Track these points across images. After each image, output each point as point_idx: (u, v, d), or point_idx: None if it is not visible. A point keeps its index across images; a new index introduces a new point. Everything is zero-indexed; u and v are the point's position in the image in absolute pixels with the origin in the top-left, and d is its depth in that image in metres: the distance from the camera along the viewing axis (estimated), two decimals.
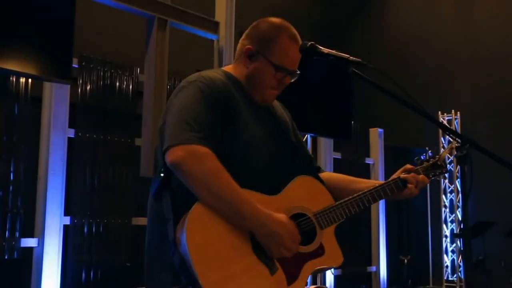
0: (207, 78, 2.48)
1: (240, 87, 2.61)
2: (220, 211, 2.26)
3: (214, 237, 2.25)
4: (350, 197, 2.61)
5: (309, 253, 2.48)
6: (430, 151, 2.89)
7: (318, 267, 2.50)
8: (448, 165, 10.77)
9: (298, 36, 2.65)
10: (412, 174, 2.69)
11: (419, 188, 2.70)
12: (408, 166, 2.76)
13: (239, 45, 2.71)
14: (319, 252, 2.51)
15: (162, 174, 2.38)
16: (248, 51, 2.61)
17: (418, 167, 2.76)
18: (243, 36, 2.70)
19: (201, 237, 2.22)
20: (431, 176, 2.76)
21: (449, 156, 2.76)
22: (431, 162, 2.77)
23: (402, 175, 2.69)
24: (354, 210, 2.60)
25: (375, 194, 2.64)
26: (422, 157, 2.81)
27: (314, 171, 2.85)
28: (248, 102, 2.59)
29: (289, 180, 2.56)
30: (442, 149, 10.80)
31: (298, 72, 2.66)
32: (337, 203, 2.59)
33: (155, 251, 2.48)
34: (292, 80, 2.68)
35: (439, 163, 2.77)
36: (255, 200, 2.34)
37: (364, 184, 2.75)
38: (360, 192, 2.63)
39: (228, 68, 2.72)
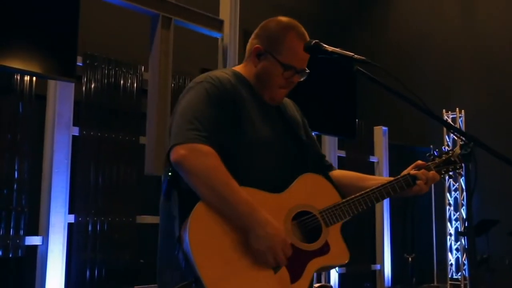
0: (214, 78, 2.50)
1: (249, 86, 2.61)
2: (218, 209, 2.28)
3: (216, 235, 2.26)
4: (358, 194, 2.59)
5: (314, 251, 2.46)
6: (444, 146, 2.87)
7: (323, 265, 2.49)
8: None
9: (307, 35, 2.64)
10: (422, 170, 2.68)
11: (429, 185, 2.68)
12: (419, 162, 2.75)
13: (248, 45, 2.71)
14: (324, 250, 2.49)
15: (170, 173, 2.40)
16: (257, 50, 2.61)
17: (430, 163, 2.74)
18: (253, 36, 2.69)
19: (202, 235, 2.24)
20: (443, 172, 2.74)
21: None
22: (443, 157, 2.75)
23: (412, 172, 2.67)
24: (361, 208, 2.59)
25: (383, 191, 2.62)
26: (435, 153, 2.79)
27: (325, 169, 2.86)
28: (257, 101, 2.59)
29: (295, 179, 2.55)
30: (446, 148, 10.78)
31: (308, 71, 2.65)
32: (343, 200, 2.57)
33: (165, 249, 2.48)
34: (302, 79, 2.67)
35: (452, 158, 2.74)
36: (256, 199, 2.34)
37: (374, 181, 2.73)
38: (368, 190, 2.61)
39: (238, 67, 2.72)
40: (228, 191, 2.28)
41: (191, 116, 2.37)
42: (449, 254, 10.65)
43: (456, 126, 8.21)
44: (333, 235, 2.53)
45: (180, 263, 2.27)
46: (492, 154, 2.37)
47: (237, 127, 2.45)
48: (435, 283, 10.85)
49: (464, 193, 9.74)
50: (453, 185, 10.79)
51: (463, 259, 10.41)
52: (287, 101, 2.85)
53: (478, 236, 8.52)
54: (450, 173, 2.77)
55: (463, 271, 10.30)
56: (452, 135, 10.58)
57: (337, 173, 2.88)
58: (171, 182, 2.42)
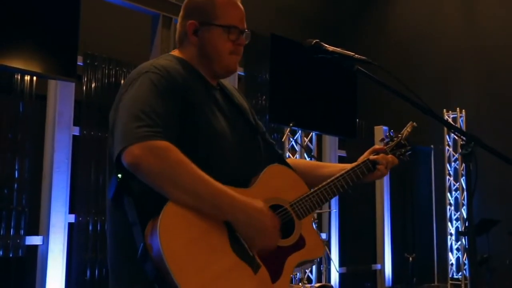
0: (160, 68, 2.27)
1: (193, 70, 2.42)
2: (192, 206, 2.07)
3: (190, 239, 2.05)
4: (324, 183, 2.49)
5: (290, 246, 2.33)
6: (392, 130, 2.85)
7: (301, 260, 2.36)
8: (454, 163, 10.77)
9: None
10: (381, 155, 2.64)
11: (388, 169, 2.64)
12: (377, 147, 2.70)
13: (178, 29, 2.53)
14: (300, 244, 2.36)
15: (119, 176, 2.13)
16: (192, 26, 2.43)
17: (386, 147, 2.71)
18: (179, 20, 2.53)
19: (176, 240, 2.01)
20: (398, 155, 2.71)
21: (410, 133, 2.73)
22: (395, 141, 2.73)
23: (371, 157, 2.63)
24: (329, 197, 2.50)
25: (347, 178, 2.54)
26: (385, 138, 2.77)
27: (279, 157, 2.66)
28: (205, 88, 2.41)
29: (257, 169, 2.41)
30: (447, 147, 10.80)
31: (249, 31, 2.52)
32: (312, 190, 2.47)
33: (121, 260, 2.25)
34: (247, 41, 2.51)
35: (402, 142, 2.73)
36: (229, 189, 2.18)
37: (331, 168, 2.66)
38: (333, 177, 2.52)
39: (175, 53, 2.51)
40: (201, 185, 2.08)
41: (139, 111, 2.10)
42: (450, 254, 10.65)
43: (456, 126, 8.22)
44: (306, 228, 2.40)
45: (144, 274, 2.00)
46: (493, 154, 2.37)
47: (190, 119, 2.25)
48: (436, 283, 10.84)
49: (465, 192, 9.73)
50: (454, 185, 10.79)
51: (464, 259, 10.41)
52: (231, 87, 2.67)
53: (478, 236, 8.51)
54: (403, 156, 2.74)
55: (464, 271, 10.30)
56: (452, 134, 10.58)
57: (290, 161, 2.70)
58: (120, 186, 2.14)
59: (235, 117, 2.47)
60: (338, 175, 2.54)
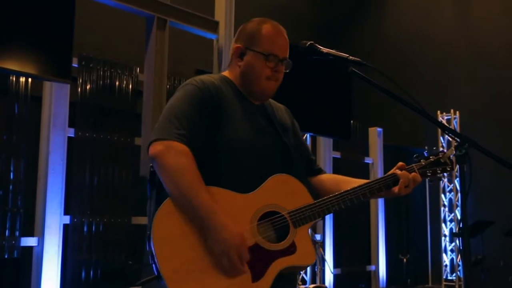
0: (198, 81, 2.59)
1: (234, 88, 2.69)
2: (182, 207, 2.34)
3: (179, 232, 2.31)
4: (330, 195, 2.58)
5: (279, 251, 2.44)
6: (428, 148, 2.88)
7: (289, 265, 2.45)
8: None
9: (281, 26, 2.73)
10: (403, 171, 2.67)
11: (411, 188, 2.66)
12: (400, 163, 2.73)
13: (230, 51, 2.80)
14: (291, 250, 2.46)
15: (151, 170, 2.46)
16: (237, 49, 2.70)
17: (413, 164, 2.72)
18: (233, 43, 2.78)
19: (165, 232, 2.30)
20: (428, 173, 2.71)
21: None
22: (431, 159, 2.73)
23: (397, 171, 2.66)
24: (334, 210, 2.58)
25: (360, 193, 2.62)
26: (425, 153, 2.77)
27: (312, 173, 2.87)
28: (241, 103, 2.65)
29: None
30: (441, 148, 10.82)
31: (290, 61, 2.70)
32: (314, 202, 2.56)
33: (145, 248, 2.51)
34: (287, 70, 2.72)
35: (442, 160, 2.73)
36: (224, 199, 2.38)
37: (352, 184, 2.71)
38: (343, 191, 2.60)
39: (225, 72, 2.80)
40: (192, 193, 2.32)
41: (172, 115, 2.46)
42: (444, 255, 10.66)
43: (450, 127, 8.24)
44: (301, 236, 2.50)
45: (149, 259, 2.31)
46: (487, 155, 2.39)
47: (217, 127, 2.53)
48: (430, 284, 10.86)
49: (459, 194, 9.74)
50: (448, 186, 10.81)
51: (458, 260, 10.42)
52: (280, 106, 2.92)
53: (472, 237, 8.53)
54: (439, 174, 2.75)
55: (458, 272, 10.31)
56: (447, 136, 10.60)
57: (326, 176, 2.91)
58: (151, 179, 2.48)
59: (267, 131, 2.69)
60: (349, 189, 2.62)
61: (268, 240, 2.43)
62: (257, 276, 2.36)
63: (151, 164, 2.45)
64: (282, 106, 2.96)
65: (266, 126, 2.70)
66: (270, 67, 2.64)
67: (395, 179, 2.65)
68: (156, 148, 2.38)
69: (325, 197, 2.58)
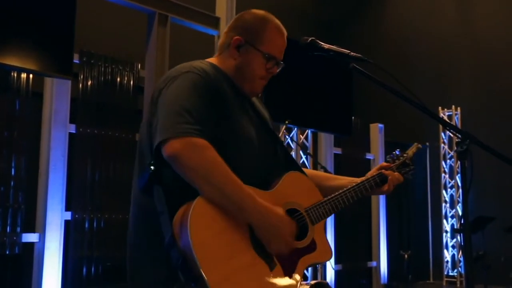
0: (200, 70, 2.44)
1: (228, 79, 2.58)
2: (220, 204, 2.22)
3: (216, 232, 2.20)
4: (337, 193, 2.65)
5: (303, 248, 2.48)
6: (398, 150, 2.94)
7: (312, 262, 2.52)
8: (449, 160, 10.79)
9: (283, 26, 2.68)
10: (389, 171, 2.78)
11: (394, 186, 2.78)
12: (384, 164, 2.84)
13: (222, 38, 2.69)
14: (312, 247, 2.52)
15: (152, 168, 2.30)
16: (237, 41, 2.59)
17: (392, 165, 2.83)
18: (226, 29, 2.67)
19: (204, 233, 2.16)
20: (402, 173, 2.84)
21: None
22: (401, 160, 2.86)
23: (384, 171, 2.78)
24: (340, 206, 2.64)
25: (357, 190, 2.70)
26: (392, 156, 2.88)
27: (296, 165, 2.84)
28: (235, 95, 2.57)
29: (275, 174, 2.57)
30: (442, 145, 10.82)
31: (283, 63, 2.67)
32: (325, 199, 2.61)
33: (148, 247, 2.39)
34: (278, 71, 2.68)
35: (407, 161, 2.86)
36: (254, 193, 2.33)
37: (340, 180, 2.82)
38: (345, 189, 2.68)
39: (212, 60, 2.66)
40: (230, 186, 2.22)
41: (181, 108, 2.27)
42: (445, 251, 10.68)
43: (452, 123, 8.22)
44: (317, 233, 2.56)
45: (170, 260, 2.16)
46: (488, 151, 2.38)
47: (224, 121, 2.43)
48: (431, 280, 10.88)
49: (460, 190, 9.75)
50: (449, 182, 10.82)
51: (459, 256, 10.43)
52: (255, 98, 2.84)
53: (474, 233, 8.53)
54: (409, 174, 2.88)
55: (459, 268, 10.33)
56: (448, 132, 10.60)
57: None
58: (153, 176, 2.31)
59: (260, 126, 2.65)
60: (350, 187, 2.70)
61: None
62: (289, 273, 2.40)
63: (151, 165, 2.31)
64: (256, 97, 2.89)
65: (259, 121, 2.67)
66: (267, 68, 2.61)
67: (383, 178, 2.76)
68: (174, 146, 2.19)
69: (333, 195, 2.64)
